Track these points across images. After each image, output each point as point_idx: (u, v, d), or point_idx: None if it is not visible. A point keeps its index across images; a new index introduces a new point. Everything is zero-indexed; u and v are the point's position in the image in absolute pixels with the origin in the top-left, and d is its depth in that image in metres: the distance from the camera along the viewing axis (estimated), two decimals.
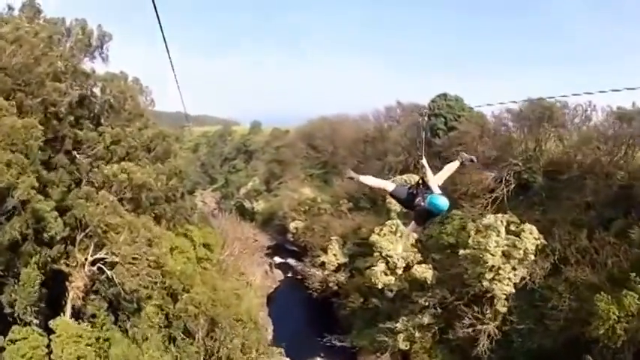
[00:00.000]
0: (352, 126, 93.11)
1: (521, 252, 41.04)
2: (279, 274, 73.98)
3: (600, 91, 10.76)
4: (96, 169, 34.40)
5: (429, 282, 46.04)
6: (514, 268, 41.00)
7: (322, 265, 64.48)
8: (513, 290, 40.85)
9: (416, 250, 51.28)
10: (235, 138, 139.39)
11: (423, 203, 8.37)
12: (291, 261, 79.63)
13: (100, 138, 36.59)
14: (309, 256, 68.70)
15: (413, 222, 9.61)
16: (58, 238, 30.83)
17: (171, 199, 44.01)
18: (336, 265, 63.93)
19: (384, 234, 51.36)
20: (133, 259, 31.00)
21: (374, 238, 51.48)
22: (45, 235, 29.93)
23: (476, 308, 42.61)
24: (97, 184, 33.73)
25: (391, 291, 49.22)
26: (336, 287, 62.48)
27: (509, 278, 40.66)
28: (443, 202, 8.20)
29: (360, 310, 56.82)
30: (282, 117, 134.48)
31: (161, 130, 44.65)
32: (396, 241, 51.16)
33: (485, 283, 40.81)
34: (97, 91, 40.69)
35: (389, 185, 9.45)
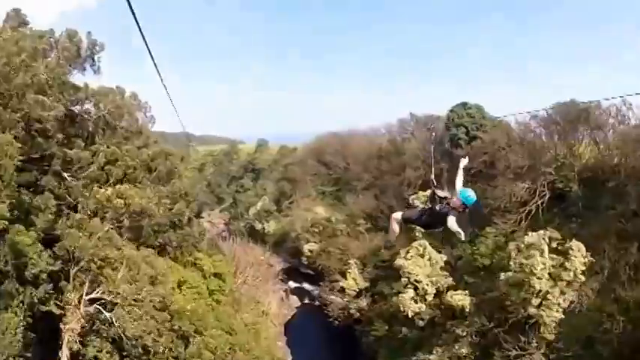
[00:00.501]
0: (364, 140, 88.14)
1: (571, 273, 35.61)
2: (294, 300, 68.42)
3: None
4: (87, 194, 29.23)
5: (467, 310, 40.29)
6: (562, 292, 35.47)
7: (342, 290, 58.93)
8: (562, 316, 35.22)
9: (446, 273, 45.90)
10: (242, 156, 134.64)
11: (448, 208, 9.20)
12: (306, 286, 74.04)
13: (94, 157, 31.57)
14: (327, 281, 63.20)
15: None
16: (45, 275, 25.73)
17: (177, 225, 38.83)
18: (357, 290, 58.46)
19: (411, 257, 45.91)
20: (135, 300, 25.90)
21: (400, 262, 46.08)
22: (27, 272, 24.90)
23: (522, 338, 37.05)
24: (89, 211, 28.67)
25: (422, 320, 43.64)
26: (357, 314, 56.87)
27: (558, 304, 35.09)
28: (472, 194, 9.36)
29: (385, 338, 51.27)
30: (287, 136, 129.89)
31: (163, 149, 39.57)
32: (425, 265, 45.84)
33: (532, 310, 35.24)
34: (89, 106, 35.75)
35: (397, 215, 10.28)
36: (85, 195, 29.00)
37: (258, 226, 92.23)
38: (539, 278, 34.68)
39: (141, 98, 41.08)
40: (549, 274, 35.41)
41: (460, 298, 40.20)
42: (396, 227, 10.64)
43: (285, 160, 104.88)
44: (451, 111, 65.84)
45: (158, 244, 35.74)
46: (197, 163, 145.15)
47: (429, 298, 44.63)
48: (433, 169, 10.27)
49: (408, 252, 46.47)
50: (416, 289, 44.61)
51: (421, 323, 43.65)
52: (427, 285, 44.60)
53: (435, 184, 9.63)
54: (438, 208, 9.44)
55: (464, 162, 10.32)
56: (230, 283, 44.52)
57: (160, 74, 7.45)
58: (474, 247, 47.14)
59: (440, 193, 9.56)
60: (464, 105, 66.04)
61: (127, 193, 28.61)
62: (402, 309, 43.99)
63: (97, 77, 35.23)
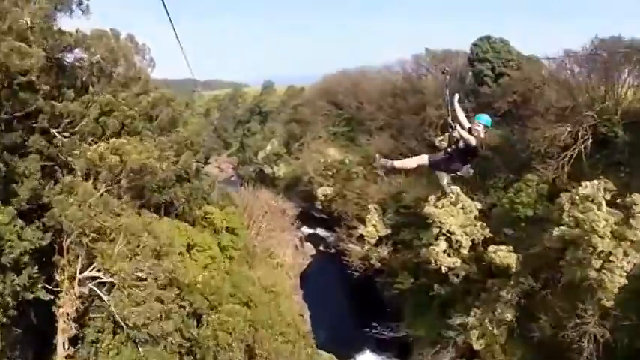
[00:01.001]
0: (376, 79, 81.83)
1: (639, 233, 30.81)
2: (309, 248, 64.55)
3: None
4: (77, 152, 24.26)
5: (512, 269, 35.76)
6: (626, 253, 30.75)
7: (360, 238, 54.91)
8: (626, 281, 30.59)
9: (482, 224, 41.44)
10: (247, 100, 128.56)
11: (469, 134, 8.63)
12: (321, 231, 70.12)
13: (87, 109, 26.41)
14: (344, 227, 59.18)
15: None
16: (27, 257, 21.24)
17: (184, 178, 34.15)
18: (377, 237, 54.45)
19: (442, 205, 41.34)
20: (136, 280, 21.54)
21: (430, 210, 41.61)
22: (4, 258, 20.43)
23: (577, 303, 32.49)
24: (80, 173, 23.85)
25: (457, 276, 39.58)
26: (378, 264, 53.10)
27: (621, 267, 30.41)
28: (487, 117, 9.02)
29: (410, 291, 47.71)
30: (292, 77, 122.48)
31: (164, 94, 34.18)
32: (458, 214, 41.34)
33: (592, 273, 30.43)
34: (80, 53, 30.19)
35: (424, 158, 9.26)
36: (76, 154, 23.97)
37: (268, 171, 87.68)
38: (601, 237, 29.92)
39: (138, 40, 35.41)
40: (611, 232, 30.64)
41: (505, 255, 35.57)
42: (412, 164, 9.84)
43: (294, 102, 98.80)
44: (474, 45, 59.45)
45: (163, 201, 31.16)
46: (202, 109, 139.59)
47: (464, 251, 40.39)
48: (450, 110, 9.17)
49: (438, 199, 41.77)
50: (448, 240, 40.31)
51: (455, 280, 39.56)
52: (461, 236, 40.27)
53: (453, 126, 8.76)
54: (461, 146, 8.79)
55: (456, 97, 9.26)
56: (243, 237, 40.31)
57: (168, 15, 6.41)
58: (510, 195, 42.44)
59: (461, 132, 8.71)
60: (488, 39, 59.52)
61: (123, 148, 23.70)
62: (433, 262, 39.77)
63: (87, 19, 29.24)
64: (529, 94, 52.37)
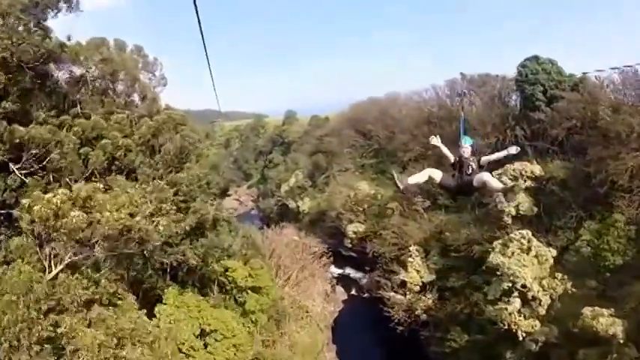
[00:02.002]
0: (407, 105, 74.56)
1: None
2: (340, 292, 56.04)
3: None
4: (26, 202, 16.12)
5: (618, 339, 26.98)
6: None
7: (402, 284, 46.72)
8: None
9: (563, 276, 33.00)
10: (269, 130, 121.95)
11: (469, 173, 8.89)
12: (351, 272, 61.83)
13: (63, 135, 19.06)
14: (379, 270, 51.05)
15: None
16: None
17: (197, 231, 26.18)
18: (420, 284, 46.24)
19: (512, 253, 33.09)
20: None
21: (497, 259, 33.34)
22: None
23: None
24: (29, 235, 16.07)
25: (536, 342, 30.97)
26: (423, 315, 44.73)
27: None
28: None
29: (464, 350, 39.25)
30: (314, 109, 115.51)
31: (171, 116, 26.04)
32: (532, 264, 33.02)
33: None
34: (71, 66, 23.17)
35: (435, 173, 9.04)
36: (25, 205, 16.01)
37: (292, 205, 79.99)
38: None
39: (148, 54, 28.42)
40: None
41: (609, 322, 26.86)
42: (421, 178, 9.27)
43: (318, 132, 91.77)
44: (522, 66, 51.84)
45: (160, 265, 23.34)
46: (222, 139, 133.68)
47: (541, 310, 31.92)
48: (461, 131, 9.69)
49: (505, 245, 33.57)
50: (522, 295, 32.01)
51: (533, 347, 30.92)
52: (538, 292, 31.85)
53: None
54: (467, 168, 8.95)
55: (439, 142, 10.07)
56: (272, 295, 32.29)
57: (205, 48, 6.24)
58: (587, 237, 34.23)
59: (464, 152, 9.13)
60: (536, 59, 51.82)
61: (94, 198, 15.90)
62: (507, 324, 31.38)
63: (76, 16, 22.32)
64: (592, 117, 44.71)
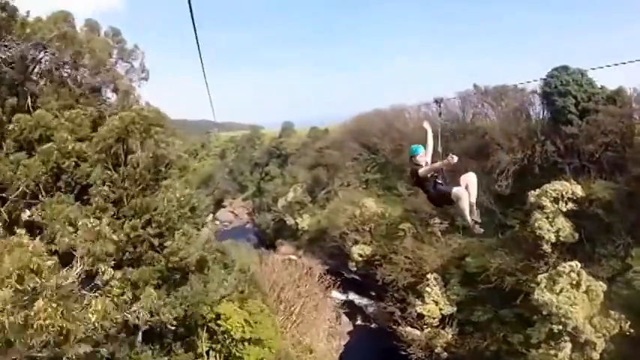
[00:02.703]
0: (416, 119, 68.76)
1: None
2: (344, 322, 49.34)
3: None
4: None
5: None
6: None
7: (419, 316, 40.56)
8: None
9: (619, 315, 27.12)
10: (265, 142, 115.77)
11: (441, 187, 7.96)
12: (355, 298, 55.33)
13: None
14: (390, 298, 44.90)
15: None
16: None
17: (178, 276, 19.37)
18: (439, 316, 40.17)
19: (561, 290, 27.10)
20: None
21: (544, 296, 27.36)
22: None
23: None
24: None
25: None
26: (443, 352, 38.58)
27: None
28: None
29: None
30: (312, 121, 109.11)
31: (140, 113, 18.72)
32: (583, 301, 27.09)
33: None
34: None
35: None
36: None
37: (290, 221, 73.50)
38: None
39: (126, 38, 22.21)
40: None
41: None
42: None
43: (318, 144, 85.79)
44: (551, 76, 46.29)
45: None
46: (218, 150, 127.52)
47: (595, 355, 25.98)
48: (440, 147, 8.23)
49: (553, 280, 27.60)
50: (572, 337, 26.04)
51: None
52: (591, 334, 25.92)
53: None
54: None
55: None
56: (276, 345, 25.65)
57: (201, 58, 6.50)
58: (636, 266, 28.47)
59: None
60: (565, 69, 46.45)
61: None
62: None
63: None
64: (630, 132, 39.64)
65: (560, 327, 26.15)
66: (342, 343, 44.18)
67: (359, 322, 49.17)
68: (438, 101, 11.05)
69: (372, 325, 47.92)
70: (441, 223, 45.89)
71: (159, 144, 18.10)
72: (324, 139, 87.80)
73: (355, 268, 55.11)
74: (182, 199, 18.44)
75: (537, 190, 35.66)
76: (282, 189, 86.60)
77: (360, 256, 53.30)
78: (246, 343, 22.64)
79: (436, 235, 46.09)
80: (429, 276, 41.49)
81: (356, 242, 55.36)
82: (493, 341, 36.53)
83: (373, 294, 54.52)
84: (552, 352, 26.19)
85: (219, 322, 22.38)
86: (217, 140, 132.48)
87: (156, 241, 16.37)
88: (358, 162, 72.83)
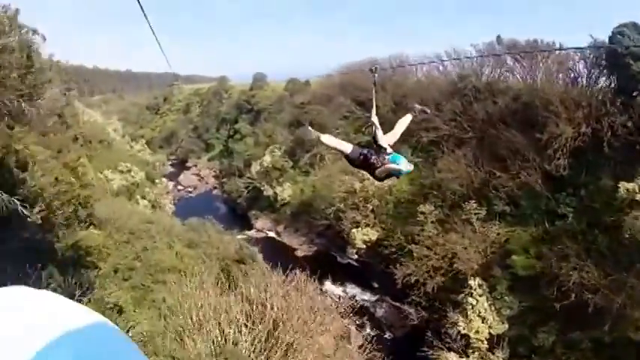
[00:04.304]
0: (424, 73, 56.86)
1: None
2: (353, 332, 37.80)
3: None
4: None
5: None
6: None
7: (461, 336, 29.57)
8: None
9: None
10: (234, 95, 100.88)
11: (379, 164, 6.44)
12: (356, 292, 43.70)
13: None
14: (415, 307, 33.83)
15: None
16: None
17: None
18: (488, 335, 29.34)
19: None
20: None
21: None
22: None
23: None
24: None
25: None
26: None
27: None
28: (407, 167, 6.28)
29: None
30: (287, 74, 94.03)
31: None
32: None
33: None
34: None
35: (347, 147, 6.90)
36: None
37: (268, 191, 60.76)
38: None
39: None
40: None
41: None
42: (340, 146, 6.86)
43: (298, 99, 72.33)
44: (618, 34, 34.45)
45: None
46: (181, 104, 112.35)
47: None
48: (375, 107, 6.86)
49: None
50: None
51: None
52: None
53: (376, 126, 6.47)
54: (373, 160, 6.41)
55: (408, 119, 6.95)
56: None
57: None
58: None
59: (381, 141, 6.47)
60: (635, 27, 34.80)
61: None
62: None
63: None
64: None
65: None
66: None
67: (368, 329, 37.76)
68: (372, 70, 7.63)
69: (387, 335, 36.73)
70: (478, 208, 34.50)
71: None
72: (304, 92, 74.30)
73: (356, 256, 43.71)
74: None
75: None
76: (255, 150, 73.38)
77: (365, 242, 41.78)
78: None
79: (471, 224, 34.77)
80: (471, 282, 30.37)
81: (356, 224, 43.68)
82: None
83: (375, 285, 43.58)
84: None
85: None
86: (181, 94, 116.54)
87: None
88: (349, 121, 60.29)
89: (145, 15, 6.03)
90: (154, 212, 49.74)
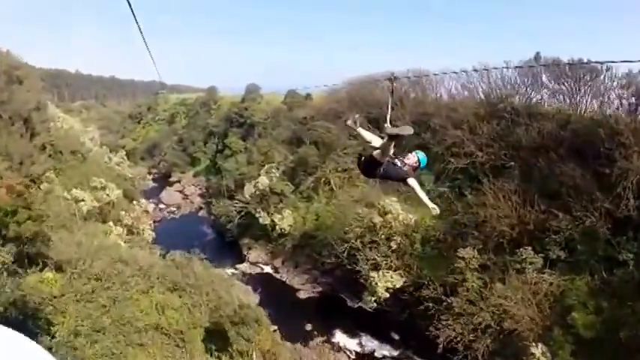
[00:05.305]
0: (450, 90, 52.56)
1: None
2: None
3: None
4: None
5: None
6: None
7: None
8: None
9: None
10: (224, 107, 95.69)
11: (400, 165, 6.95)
12: (373, 346, 38.12)
13: None
14: None
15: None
16: None
17: None
18: None
19: None
20: None
21: None
22: None
23: None
24: None
25: None
26: None
27: None
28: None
29: None
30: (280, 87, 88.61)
31: None
32: None
33: None
34: None
35: (376, 141, 7.19)
36: None
37: (264, 219, 54.89)
38: None
39: None
40: None
41: None
42: (370, 138, 7.45)
43: (299, 113, 67.33)
44: None
45: None
46: (166, 114, 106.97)
47: None
48: (390, 111, 7.26)
49: None
50: None
51: None
52: None
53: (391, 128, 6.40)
54: (397, 162, 6.92)
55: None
56: None
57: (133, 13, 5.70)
58: None
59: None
60: None
61: None
62: None
63: None
64: None
65: None
66: None
67: None
68: (390, 79, 8.10)
69: None
70: (534, 256, 29.50)
71: None
72: (305, 106, 69.38)
73: (376, 304, 38.25)
74: None
75: None
76: (247, 169, 67.91)
77: (388, 290, 36.45)
78: None
79: (523, 273, 29.75)
80: (533, 350, 25.23)
81: (375, 267, 38.37)
82: None
83: (396, 337, 38.23)
84: None
85: None
86: (166, 103, 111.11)
87: None
88: (359, 141, 55.25)
89: (137, 24, 6.25)
90: (130, 242, 44.01)
